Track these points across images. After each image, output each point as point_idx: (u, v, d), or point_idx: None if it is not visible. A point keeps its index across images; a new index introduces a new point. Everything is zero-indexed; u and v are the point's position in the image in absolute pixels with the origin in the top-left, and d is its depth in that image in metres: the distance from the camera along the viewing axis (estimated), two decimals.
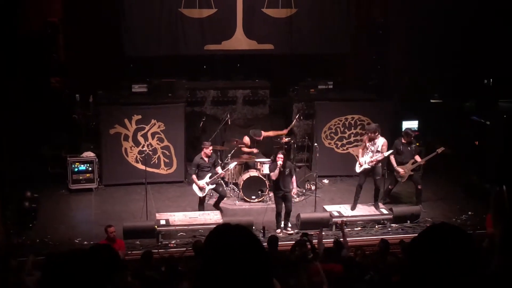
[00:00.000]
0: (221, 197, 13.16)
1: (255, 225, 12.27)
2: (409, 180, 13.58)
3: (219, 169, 13.00)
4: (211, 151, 12.84)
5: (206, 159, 12.78)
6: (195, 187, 12.85)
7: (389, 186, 13.79)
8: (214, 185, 12.88)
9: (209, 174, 12.75)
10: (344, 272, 8.87)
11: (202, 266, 2.00)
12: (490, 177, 13.82)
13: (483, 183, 13.90)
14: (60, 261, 2.50)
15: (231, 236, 2.00)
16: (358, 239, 11.97)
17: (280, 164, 12.08)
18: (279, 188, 12.30)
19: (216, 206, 13.20)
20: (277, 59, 16.91)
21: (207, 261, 1.98)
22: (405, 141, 13.45)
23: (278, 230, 12.33)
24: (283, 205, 12.40)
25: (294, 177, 12.57)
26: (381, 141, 12.94)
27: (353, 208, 13.17)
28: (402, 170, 13.34)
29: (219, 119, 15.54)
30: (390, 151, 13.07)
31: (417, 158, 13.46)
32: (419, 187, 13.52)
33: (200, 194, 12.84)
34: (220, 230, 2.05)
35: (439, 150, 13.44)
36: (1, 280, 8.44)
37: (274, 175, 12.17)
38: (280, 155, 12.20)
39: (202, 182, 12.72)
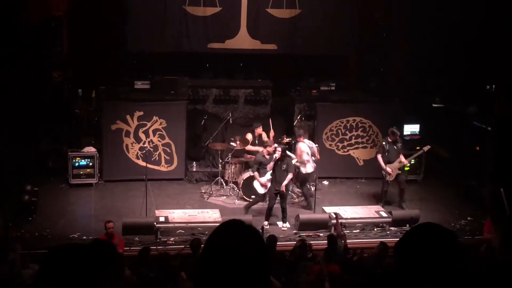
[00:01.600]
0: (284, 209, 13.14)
1: (254, 224, 12.27)
2: (395, 179, 13.71)
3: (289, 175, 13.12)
4: (273, 149, 13.02)
5: (267, 157, 13.07)
6: (256, 184, 13.15)
7: (384, 189, 13.85)
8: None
9: (269, 172, 12.96)
10: (342, 273, 8.90)
11: (201, 260, 2.01)
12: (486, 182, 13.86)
13: (483, 189, 13.89)
14: (58, 255, 2.51)
15: (235, 232, 2.01)
16: (356, 241, 11.97)
17: (276, 157, 12.42)
18: (274, 184, 12.61)
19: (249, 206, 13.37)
20: (280, 59, 16.90)
21: (207, 255, 1.99)
22: (390, 140, 13.60)
23: (266, 223, 12.60)
24: (276, 201, 12.73)
25: (290, 174, 12.71)
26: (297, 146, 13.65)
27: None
28: (390, 170, 13.48)
29: (221, 118, 15.54)
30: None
31: (401, 157, 13.62)
32: (402, 187, 13.72)
33: (261, 191, 13.12)
34: (226, 226, 2.06)
35: (425, 149, 13.91)
36: None
37: (269, 167, 12.56)
38: (278, 149, 12.57)
39: (263, 179, 13.01)
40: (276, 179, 12.63)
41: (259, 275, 1.98)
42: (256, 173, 13.10)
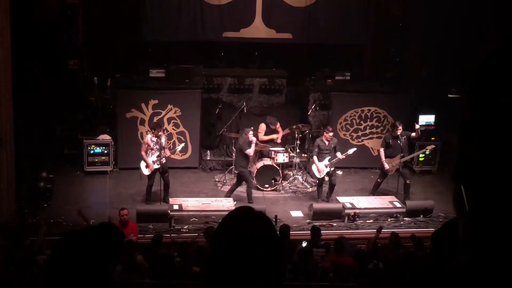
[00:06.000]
0: (331, 186, 13.44)
1: (267, 213, 12.29)
2: (398, 173, 13.54)
3: (338, 154, 13.24)
4: (331, 136, 13.25)
5: (326, 142, 13.19)
6: (314, 167, 13.30)
7: (378, 180, 13.79)
8: (333, 168, 13.24)
9: (329, 157, 13.13)
10: (355, 265, 8.92)
11: (211, 250, 2.00)
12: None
13: None
14: (67, 241, 2.53)
15: (247, 222, 1.99)
16: (370, 231, 11.96)
17: (254, 140, 13.02)
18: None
19: (329, 194, 13.47)
20: (295, 48, 16.85)
21: (216, 245, 1.98)
22: (394, 135, 13.45)
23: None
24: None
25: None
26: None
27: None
28: (390, 165, 13.37)
29: (235, 107, 15.55)
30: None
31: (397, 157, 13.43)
32: (408, 181, 13.50)
33: (318, 175, 13.28)
34: (234, 214, 2.05)
35: (429, 147, 14.21)
36: (14, 258, 8.53)
37: (250, 152, 13.07)
38: (251, 132, 13.05)
39: (321, 164, 13.11)
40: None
41: (272, 265, 1.96)
42: (314, 157, 13.23)
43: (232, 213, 2.04)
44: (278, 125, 14.71)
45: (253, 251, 1.91)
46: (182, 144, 13.67)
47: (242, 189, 13.96)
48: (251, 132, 13.10)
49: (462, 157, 1.41)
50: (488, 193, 1.36)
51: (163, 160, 12.77)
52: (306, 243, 9.81)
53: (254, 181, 13.91)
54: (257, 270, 1.91)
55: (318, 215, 12.47)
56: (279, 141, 14.63)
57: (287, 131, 14.71)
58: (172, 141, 14.86)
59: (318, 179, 13.38)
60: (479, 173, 1.37)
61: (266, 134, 14.60)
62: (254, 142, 13.12)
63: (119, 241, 2.67)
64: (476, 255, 1.37)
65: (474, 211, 1.42)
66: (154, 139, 12.76)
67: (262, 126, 14.64)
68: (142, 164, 12.87)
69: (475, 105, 1.37)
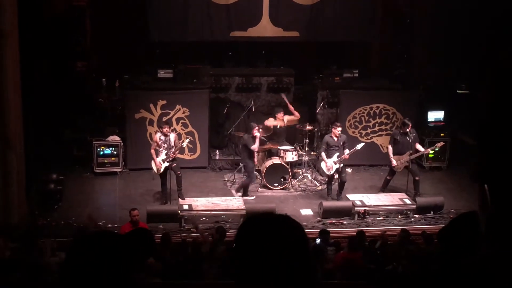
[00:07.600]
0: (342, 183, 13.40)
1: (277, 212, 12.29)
2: (407, 170, 13.45)
3: (346, 151, 13.19)
4: (339, 132, 13.22)
5: (335, 138, 13.16)
6: (323, 164, 13.31)
7: (387, 177, 13.72)
8: (341, 165, 13.21)
9: (337, 154, 13.11)
10: (364, 261, 8.91)
11: (235, 253, 1.97)
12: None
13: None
14: (87, 243, 2.50)
15: (276, 225, 1.96)
16: (380, 228, 11.93)
17: (258, 135, 13.22)
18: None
19: (339, 192, 13.45)
20: (302, 46, 16.82)
21: (242, 249, 1.95)
22: (403, 131, 13.38)
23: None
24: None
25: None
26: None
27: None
28: (398, 161, 13.30)
29: (243, 106, 15.53)
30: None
31: (418, 147, 13.40)
32: (417, 178, 13.43)
33: (327, 172, 13.27)
34: (261, 219, 2.02)
35: (439, 145, 13.87)
36: (25, 260, 8.56)
37: (255, 148, 13.28)
38: (257, 127, 13.31)
39: (329, 161, 13.13)
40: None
41: (301, 265, 1.93)
42: (323, 154, 13.20)
43: (257, 216, 2.01)
44: (282, 114, 14.63)
45: (282, 252, 1.89)
46: (188, 139, 13.71)
47: (251, 188, 13.96)
48: (256, 128, 13.25)
49: (483, 158, 1.43)
50: (508, 191, 1.37)
51: (174, 163, 12.83)
52: (319, 240, 9.82)
53: (263, 180, 13.91)
54: (287, 271, 1.89)
55: (328, 213, 12.46)
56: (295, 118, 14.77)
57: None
58: (181, 141, 14.86)
59: (328, 176, 13.36)
60: (498, 172, 1.37)
61: (274, 128, 14.67)
62: (258, 137, 13.27)
63: (151, 248, 2.65)
64: (497, 249, 1.37)
65: (496, 208, 1.44)
66: (163, 137, 12.84)
67: (270, 121, 14.67)
68: (153, 164, 12.94)
69: (495, 107, 1.38)
